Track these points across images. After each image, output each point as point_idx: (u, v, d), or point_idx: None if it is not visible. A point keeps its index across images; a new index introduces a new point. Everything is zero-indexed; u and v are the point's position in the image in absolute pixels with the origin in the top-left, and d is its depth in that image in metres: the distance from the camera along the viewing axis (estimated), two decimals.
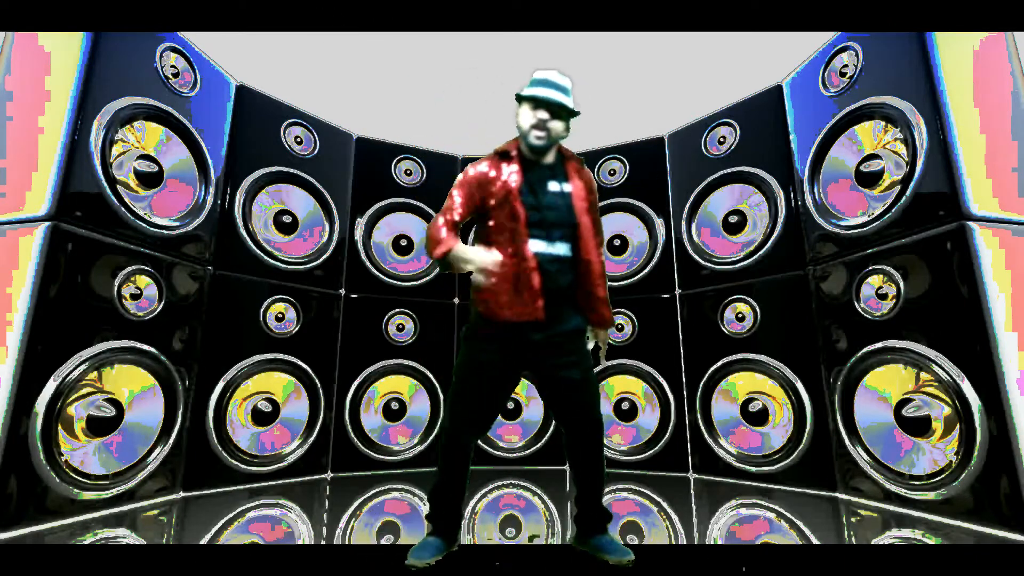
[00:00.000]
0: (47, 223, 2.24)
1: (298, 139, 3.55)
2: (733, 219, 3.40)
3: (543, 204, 1.65)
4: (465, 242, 1.70)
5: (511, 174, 1.67)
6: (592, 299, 1.73)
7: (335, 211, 3.64)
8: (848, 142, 2.80)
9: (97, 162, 2.43)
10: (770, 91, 3.33)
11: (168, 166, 2.81)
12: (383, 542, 2.05)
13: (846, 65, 2.82)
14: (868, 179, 2.68)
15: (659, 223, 3.77)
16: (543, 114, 1.65)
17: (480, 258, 1.56)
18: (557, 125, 1.68)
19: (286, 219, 3.44)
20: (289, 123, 3.52)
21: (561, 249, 1.66)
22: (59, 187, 2.28)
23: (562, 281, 1.65)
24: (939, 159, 2.35)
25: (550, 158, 1.75)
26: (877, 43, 2.67)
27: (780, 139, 3.23)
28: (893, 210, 2.52)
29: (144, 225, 2.64)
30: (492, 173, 1.68)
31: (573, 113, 1.71)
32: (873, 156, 2.66)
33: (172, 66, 2.86)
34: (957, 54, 2.43)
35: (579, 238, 1.69)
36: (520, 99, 1.71)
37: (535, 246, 1.62)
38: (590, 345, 1.77)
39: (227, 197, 3.18)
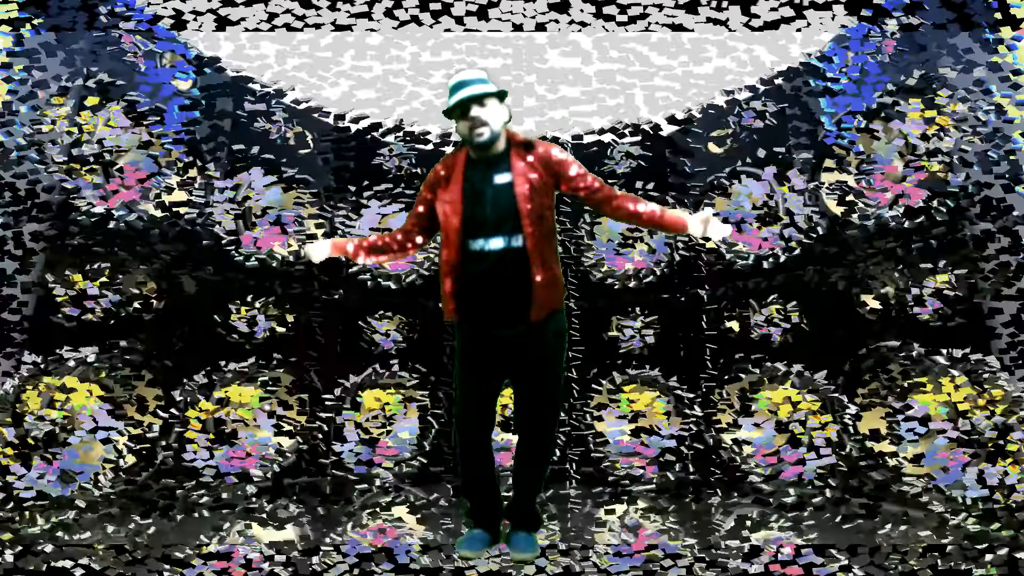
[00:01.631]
0: None
1: (282, 129, 3.40)
2: (759, 212, 3.21)
3: (480, 201, 1.68)
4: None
5: (453, 176, 1.74)
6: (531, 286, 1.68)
7: (321, 204, 3.46)
8: (887, 124, 2.65)
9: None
10: (799, 72, 3.14)
11: (135, 155, 2.72)
12: (383, 542, 2.04)
13: (880, 46, 2.69)
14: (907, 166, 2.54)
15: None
16: (475, 111, 1.66)
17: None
18: (493, 111, 1.68)
19: (267, 213, 3.29)
20: (273, 113, 3.37)
21: (498, 243, 1.65)
22: None
23: (504, 273, 1.64)
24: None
25: (501, 145, 1.74)
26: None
27: (810, 122, 3.05)
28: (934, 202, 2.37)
29: (108, 219, 2.56)
30: (437, 178, 1.78)
31: (502, 94, 1.73)
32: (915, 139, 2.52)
33: (146, 51, 2.78)
34: None
35: (522, 226, 1.67)
36: (449, 114, 1.74)
37: (472, 244, 1.65)
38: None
39: (206, 190, 3.08)
